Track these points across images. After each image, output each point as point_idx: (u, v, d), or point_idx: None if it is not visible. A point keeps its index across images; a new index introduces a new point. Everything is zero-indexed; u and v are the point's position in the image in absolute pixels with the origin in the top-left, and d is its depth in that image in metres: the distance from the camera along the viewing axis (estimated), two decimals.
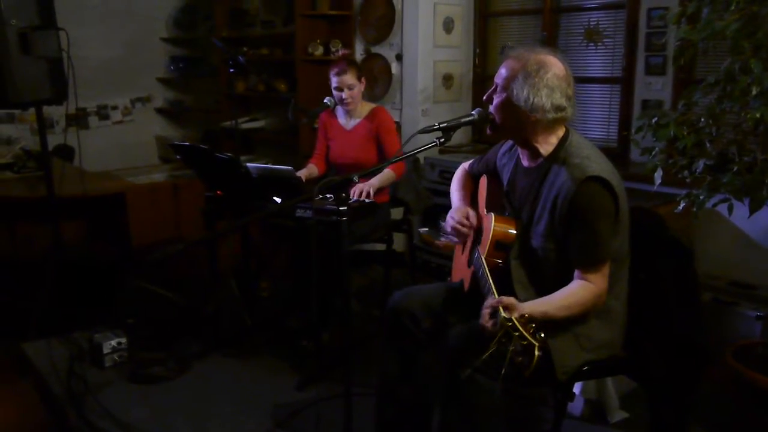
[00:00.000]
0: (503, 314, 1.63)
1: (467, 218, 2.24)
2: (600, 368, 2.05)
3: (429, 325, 2.21)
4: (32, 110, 3.33)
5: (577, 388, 2.71)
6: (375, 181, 3.22)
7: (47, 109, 3.37)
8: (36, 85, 3.15)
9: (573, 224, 1.89)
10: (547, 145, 2.00)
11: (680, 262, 2.02)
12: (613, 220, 1.90)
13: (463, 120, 2.05)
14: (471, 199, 2.41)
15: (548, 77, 1.90)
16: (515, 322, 1.57)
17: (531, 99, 1.90)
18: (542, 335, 1.55)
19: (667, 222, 2.13)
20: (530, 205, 2.02)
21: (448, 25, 4.61)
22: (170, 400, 2.90)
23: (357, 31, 4.83)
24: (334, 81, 3.39)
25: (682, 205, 2.52)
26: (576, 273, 1.92)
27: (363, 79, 3.46)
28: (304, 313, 3.42)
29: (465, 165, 2.50)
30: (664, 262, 2.05)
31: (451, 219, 2.26)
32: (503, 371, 1.56)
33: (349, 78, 3.36)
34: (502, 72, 1.98)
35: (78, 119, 5.19)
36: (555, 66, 1.93)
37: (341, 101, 3.42)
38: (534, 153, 2.03)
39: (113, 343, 3.17)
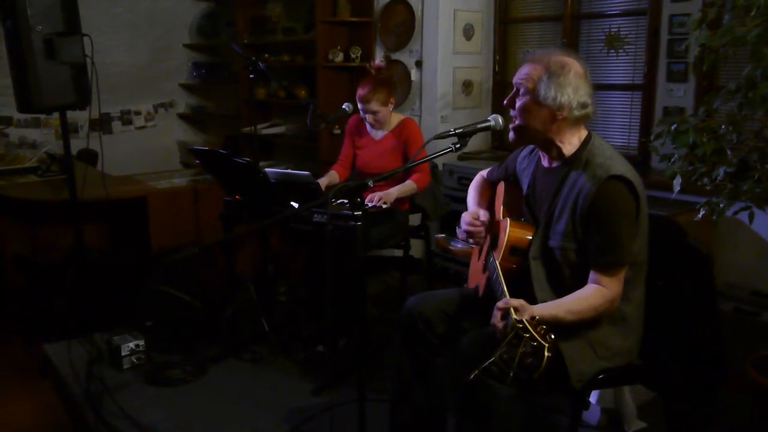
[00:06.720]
0: (514, 316, 1.63)
1: (477, 218, 2.25)
2: (616, 376, 2.02)
3: (443, 330, 2.21)
4: (56, 115, 3.38)
5: (593, 397, 2.68)
6: (395, 191, 3.21)
7: (71, 114, 3.42)
8: (60, 91, 3.20)
9: (593, 223, 1.88)
10: (569, 145, 2.00)
11: (698, 269, 2.00)
12: (634, 221, 1.89)
13: (479, 125, 2.06)
14: (488, 205, 2.40)
15: (572, 75, 1.92)
16: (526, 323, 1.57)
17: (558, 97, 1.91)
18: (552, 336, 1.55)
19: (686, 230, 2.11)
20: (550, 203, 2.01)
21: (468, 32, 4.61)
22: (187, 402, 2.92)
23: (377, 38, 4.85)
24: (359, 104, 3.37)
25: (701, 212, 2.49)
26: (591, 276, 1.91)
27: (392, 100, 3.41)
28: (321, 318, 3.42)
29: (483, 172, 2.50)
30: (682, 270, 2.03)
31: (463, 221, 2.28)
32: (511, 374, 1.55)
33: (374, 105, 3.33)
34: (524, 74, 1.98)
35: (101, 124, 5.28)
36: (575, 65, 1.95)
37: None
38: (556, 154, 2.03)
39: (131, 345, 3.20)
